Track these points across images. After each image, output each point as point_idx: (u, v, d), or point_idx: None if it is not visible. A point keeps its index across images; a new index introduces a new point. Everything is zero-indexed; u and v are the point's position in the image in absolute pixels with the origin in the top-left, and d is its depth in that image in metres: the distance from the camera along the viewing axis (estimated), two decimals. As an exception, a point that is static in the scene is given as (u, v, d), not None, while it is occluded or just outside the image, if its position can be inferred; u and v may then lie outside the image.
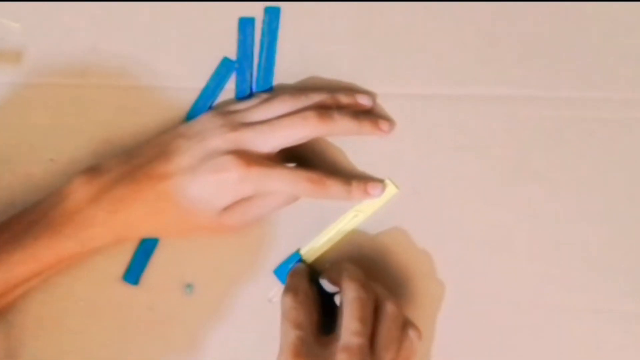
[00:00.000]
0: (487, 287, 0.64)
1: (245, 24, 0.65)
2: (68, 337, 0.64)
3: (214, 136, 0.61)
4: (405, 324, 0.60)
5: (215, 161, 0.60)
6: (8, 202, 0.64)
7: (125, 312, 0.64)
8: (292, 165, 0.64)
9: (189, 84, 0.65)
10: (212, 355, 0.64)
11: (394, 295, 0.61)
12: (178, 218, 0.61)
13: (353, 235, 0.65)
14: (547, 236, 0.64)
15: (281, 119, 0.62)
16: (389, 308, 0.59)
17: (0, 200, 0.64)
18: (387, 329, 0.59)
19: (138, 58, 0.65)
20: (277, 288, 0.64)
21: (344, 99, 0.64)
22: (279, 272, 0.64)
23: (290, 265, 0.64)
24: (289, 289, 0.61)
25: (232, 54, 0.65)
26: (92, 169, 0.61)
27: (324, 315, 0.62)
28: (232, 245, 0.64)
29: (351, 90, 0.65)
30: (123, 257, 0.64)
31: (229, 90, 0.65)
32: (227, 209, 0.61)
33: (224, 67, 0.65)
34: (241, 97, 0.65)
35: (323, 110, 0.62)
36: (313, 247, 0.64)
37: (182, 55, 0.65)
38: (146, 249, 0.64)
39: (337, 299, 0.62)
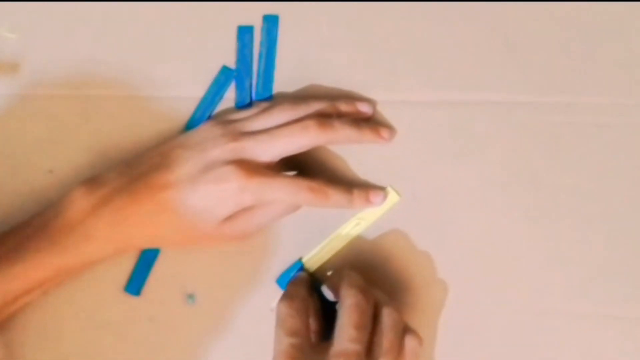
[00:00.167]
0: (488, 293, 0.64)
1: (244, 32, 0.65)
2: (69, 349, 0.64)
3: (214, 146, 0.61)
4: (406, 331, 0.59)
5: (216, 171, 0.60)
6: (7, 214, 0.64)
7: (126, 323, 0.64)
8: (292, 173, 0.63)
9: (188, 93, 0.65)
10: (214, 366, 0.64)
11: (395, 302, 0.61)
12: (178, 229, 0.61)
13: (355, 243, 0.64)
14: (547, 241, 0.64)
15: (281, 128, 0.61)
16: (388, 314, 0.59)
17: (-1, 212, 0.64)
18: (385, 335, 0.58)
19: (136, 68, 0.65)
20: (279, 297, 0.64)
21: (344, 106, 0.64)
22: (281, 281, 0.64)
23: (292, 274, 0.64)
24: (285, 296, 0.61)
25: (231, 63, 0.65)
26: (92, 181, 0.61)
27: (327, 324, 0.61)
28: (234, 255, 0.64)
29: (351, 98, 0.64)
30: (124, 268, 0.64)
31: (228, 99, 0.65)
32: (228, 219, 0.61)
33: (223, 76, 0.65)
34: (241, 105, 0.65)
35: (323, 118, 0.62)
36: (315, 256, 0.64)
37: (181, 64, 0.65)
38: (147, 259, 0.64)
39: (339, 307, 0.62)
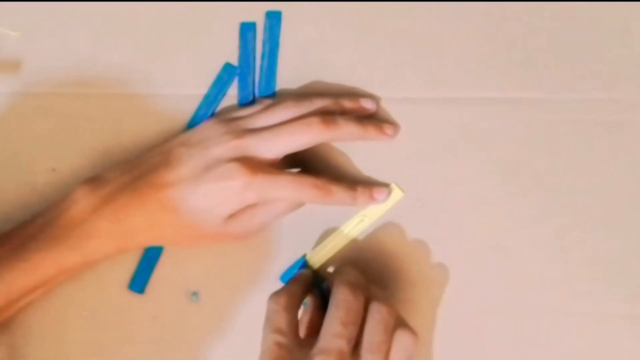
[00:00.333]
0: (491, 290, 0.64)
1: (247, 29, 0.65)
2: (72, 348, 0.64)
3: (217, 144, 0.61)
4: (399, 327, 0.58)
5: (219, 169, 0.60)
6: (10, 213, 0.64)
7: (130, 321, 0.64)
8: (296, 171, 0.63)
9: (191, 91, 0.65)
10: (219, 364, 0.64)
11: (391, 298, 0.61)
12: (182, 227, 0.61)
13: (359, 240, 0.64)
14: (550, 239, 0.64)
15: (285, 125, 0.61)
16: (377, 310, 0.58)
17: (1, 211, 0.64)
18: (372, 331, 0.57)
19: (138, 66, 0.65)
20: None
21: (347, 103, 0.63)
22: (284, 278, 0.64)
23: (296, 271, 0.64)
24: (275, 293, 0.61)
25: (234, 60, 0.65)
26: (94, 179, 0.61)
27: None
28: (238, 253, 0.64)
29: (355, 94, 0.64)
30: (128, 266, 0.64)
31: (231, 96, 0.65)
32: (231, 217, 0.61)
33: (226, 73, 0.65)
34: (244, 103, 0.65)
35: (327, 115, 0.62)
36: (318, 253, 0.64)
37: (183, 62, 0.65)
38: (151, 257, 0.64)
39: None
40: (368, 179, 0.64)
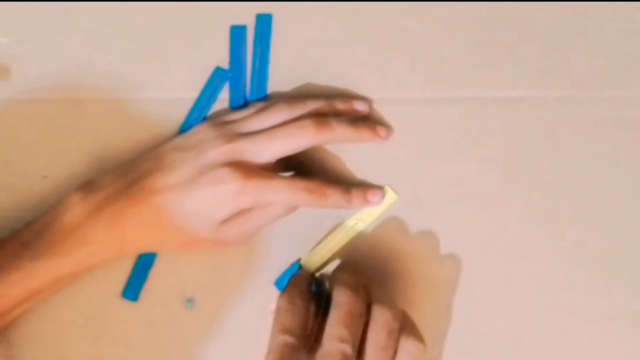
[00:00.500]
0: (488, 290, 0.64)
1: (237, 32, 0.64)
2: (68, 356, 0.64)
3: (210, 148, 0.60)
4: (405, 334, 0.58)
5: (213, 174, 0.59)
6: (2, 221, 0.63)
7: (125, 329, 0.64)
8: (290, 174, 0.63)
9: (182, 95, 0.64)
10: (215, 370, 0.64)
11: (393, 299, 0.60)
12: (176, 232, 0.60)
13: (354, 243, 0.64)
14: (548, 238, 0.64)
15: (278, 128, 0.61)
16: (380, 313, 0.58)
17: (-6, 219, 0.64)
18: (376, 336, 0.57)
19: (129, 70, 0.64)
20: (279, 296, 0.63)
21: (340, 105, 0.63)
22: (279, 283, 0.64)
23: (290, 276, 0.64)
24: (285, 292, 0.60)
25: (225, 63, 0.65)
26: (87, 186, 0.61)
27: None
28: (232, 258, 0.64)
29: (347, 96, 0.64)
30: (121, 273, 0.64)
31: (222, 99, 0.65)
32: (225, 221, 0.61)
33: (217, 77, 0.64)
34: (235, 106, 0.65)
35: (320, 118, 0.62)
36: (313, 257, 0.64)
37: (174, 66, 0.65)
38: (144, 264, 0.64)
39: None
40: (362, 181, 0.64)
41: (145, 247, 0.62)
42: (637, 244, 0.64)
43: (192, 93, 0.64)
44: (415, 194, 0.64)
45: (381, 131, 0.63)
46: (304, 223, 0.64)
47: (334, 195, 0.62)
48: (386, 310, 0.58)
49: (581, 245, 0.64)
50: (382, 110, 0.65)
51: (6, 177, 0.64)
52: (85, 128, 0.64)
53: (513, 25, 0.65)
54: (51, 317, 0.63)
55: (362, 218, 0.64)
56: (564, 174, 0.64)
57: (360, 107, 0.64)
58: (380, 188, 0.64)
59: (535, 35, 0.65)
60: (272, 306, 0.63)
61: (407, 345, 0.57)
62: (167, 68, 0.64)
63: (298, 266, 0.64)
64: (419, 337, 0.58)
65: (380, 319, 0.58)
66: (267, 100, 0.64)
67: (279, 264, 0.64)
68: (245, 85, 0.65)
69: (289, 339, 0.57)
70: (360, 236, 0.64)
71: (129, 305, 0.64)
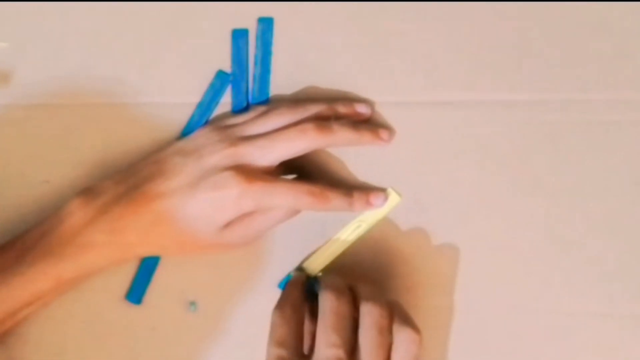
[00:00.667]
0: (490, 293, 0.64)
1: (239, 36, 0.64)
2: (70, 359, 0.64)
3: (212, 152, 0.60)
4: (399, 325, 0.57)
5: (215, 178, 0.59)
6: (3, 226, 0.63)
7: (128, 332, 0.64)
8: (292, 177, 0.63)
9: (184, 99, 0.64)
10: (218, 374, 0.64)
11: (384, 295, 0.60)
12: (178, 237, 0.60)
13: (357, 246, 0.64)
14: (549, 240, 0.64)
15: (280, 131, 0.61)
16: (367, 312, 0.57)
17: (-5, 224, 0.64)
18: (366, 335, 0.57)
19: (130, 75, 0.64)
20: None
21: (342, 108, 0.63)
22: (282, 286, 0.64)
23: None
24: (277, 305, 0.60)
25: (227, 67, 0.65)
26: (88, 191, 0.61)
27: None
28: (235, 261, 0.64)
29: (349, 99, 0.64)
30: (125, 277, 0.64)
31: (224, 103, 0.65)
32: (227, 225, 0.60)
33: (219, 80, 0.64)
34: (237, 110, 0.64)
35: (322, 121, 0.62)
36: (316, 260, 0.64)
37: (176, 70, 0.64)
38: (148, 267, 0.64)
39: None
40: (364, 184, 0.64)
41: (147, 252, 0.62)
42: (637, 246, 0.64)
43: (194, 97, 0.64)
44: (416, 196, 0.64)
45: (383, 134, 0.63)
46: (306, 226, 0.64)
47: (336, 198, 0.62)
48: (374, 308, 0.57)
49: (582, 247, 0.64)
50: (384, 113, 0.64)
51: (7, 182, 0.64)
52: (87, 133, 0.64)
53: (513, 29, 0.65)
54: (54, 320, 0.63)
55: (364, 221, 0.64)
56: (565, 176, 0.64)
57: (362, 109, 0.64)
58: (382, 190, 0.64)
59: (536, 38, 0.65)
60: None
61: (403, 336, 0.57)
62: (169, 72, 0.64)
63: (301, 268, 0.64)
64: (413, 326, 0.57)
65: (369, 317, 0.57)
66: (269, 103, 0.64)
67: (282, 267, 0.64)
68: (247, 89, 0.64)
69: (282, 352, 0.57)
70: (362, 239, 0.64)
71: (132, 308, 0.64)
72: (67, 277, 0.60)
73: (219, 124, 0.63)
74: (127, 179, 0.61)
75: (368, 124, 0.64)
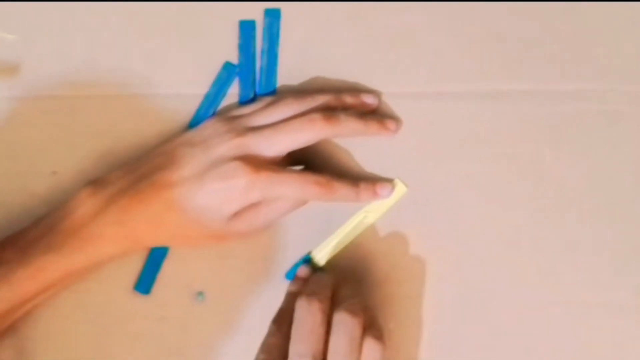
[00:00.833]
0: (499, 285, 0.64)
1: (246, 27, 0.65)
2: (79, 349, 0.64)
3: (220, 143, 0.61)
4: (366, 335, 0.57)
5: (222, 168, 0.60)
6: (12, 218, 0.64)
7: (137, 322, 0.64)
8: (299, 168, 0.63)
9: (191, 90, 0.65)
10: (226, 363, 0.65)
11: (360, 299, 0.60)
12: (185, 227, 0.61)
13: (363, 236, 0.64)
14: (555, 232, 0.64)
15: (287, 122, 0.61)
16: (340, 321, 0.57)
17: (4, 216, 0.64)
18: (336, 345, 0.57)
19: (138, 66, 0.65)
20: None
21: (349, 99, 0.63)
22: (290, 275, 0.64)
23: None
24: (275, 318, 0.61)
25: (234, 58, 0.65)
26: (97, 181, 0.61)
27: None
28: (243, 251, 0.64)
29: (356, 90, 0.64)
30: (133, 268, 0.64)
31: (232, 94, 0.65)
32: (235, 215, 0.61)
33: (226, 72, 0.65)
34: (245, 101, 0.65)
35: (328, 111, 0.62)
36: (323, 250, 0.64)
37: (183, 62, 0.65)
38: (156, 258, 0.64)
39: None
40: (371, 174, 0.64)
41: (155, 242, 0.62)
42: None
43: (202, 88, 0.65)
44: (423, 187, 0.64)
45: (390, 124, 0.64)
46: (313, 217, 0.64)
47: (343, 188, 0.62)
48: (345, 316, 0.57)
49: (589, 239, 0.64)
50: (391, 104, 0.65)
51: (16, 173, 0.64)
52: (95, 124, 0.65)
53: (520, 19, 0.65)
54: (63, 310, 0.64)
55: (371, 211, 0.64)
56: (572, 167, 0.65)
57: (369, 100, 0.64)
58: (389, 181, 0.64)
59: (543, 29, 0.65)
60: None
61: (369, 346, 0.57)
62: (177, 64, 0.65)
63: (308, 259, 0.64)
64: (378, 335, 0.57)
65: (340, 327, 0.57)
66: (276, 94, 0.65)
67: (289, 257, 0.64)
68: (254, 80, 0.65)
69: (266, 356, 0.58)
70: (369, 229, 0.64)
71: (140, 298, 0.64)
72: (76, 268, 0.60)
73: (226, 115, 0.64)
74: (136, 169, 0.61)
75: (375, 114, 0.64)
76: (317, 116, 0.61)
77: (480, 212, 0.64)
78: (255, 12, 0.65)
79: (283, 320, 0.60)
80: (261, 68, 0.65)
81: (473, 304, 0.64)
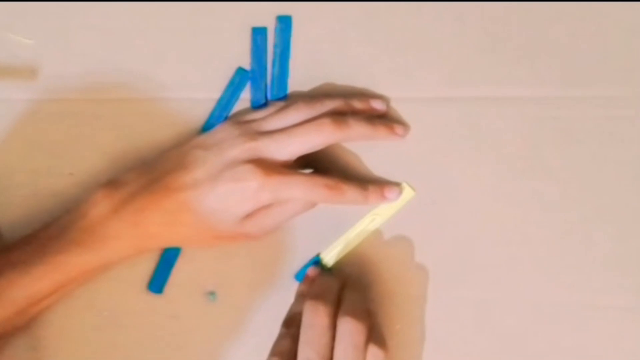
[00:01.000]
0: (505, 286, 0.65)
1: (258, 34, 0.65)
2: (92, 348, 0.65)
3: (232, 146, 0.61)
4: (370, 343, 0.58)
5: (235, 171, 0.60)
6: (29, 217, 0.64)
7: (149, 321, 0.65)
8: (309, 171, 0.64)
9: (205, 95, 0.65)
10: (237, 362, 0.65)
11: (369, 301, 0.61)
12: (198, 228, 0.61)
13: (371, 239, 0.65)
14: (562, 235, 0.65)
15: (297, 127, 0.62)
16: (344, 328, 0.58)
17: (20, 215, 0.65)
18: (342, 349, 0.57)
19: (152, 71, 0.65)
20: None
21: (358, 104, 0.64)
22: (299, 277, 0.65)
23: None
24: (285, 320, 0.61)
25: (246, 64, 0.65)
26: (112, 183, 0.62)
27: None
28: (254, 252, 0.65)
29: (365, 95, 0.65)
30: (146, 267, 0.65)
31: (244, 99, 0.65)
32: (246, 217, 0.61)
33: (239, 77, 0.65)
34: (256, 106, 0.65)
35: (338, 116, 0.62)
36: (332, 252, 0.65)
37: (197, 67, 0.65)
38: (169, 258, 0.65)
39: None
40: (379, 178, 0.65)
41: (168, 243, 0.63)
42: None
43: (215, 93, 0.65)
44: (431, 191, 0.65)
45: (398, 129, 0.64)
46: (323, 219, 0.64)
47: (351, 191, 0.63)
48: (350, 323, 0.58)
49: (594, 241, 0.64)
50: (399, 108, 0.65)
51: (33, 174, 0.65)
52: (110, 127, 0.65)
53: (528, 25, 0.65)
54: (76, 309, 0.64)
55: (379, 214, 0.64)
56: (578, 171, 0.64)
57: (377, 105, 0.64)
58: (397, 185, 0.65)
59: (550, 34, 0.65)
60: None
61: (372, 355, 0.57)
62: (191, 69, 0.65)
63: (317, 260, 0.65)
64: (381, 344, 0.58)
65: (346, 333, 0.58)
66: (287, 99, 0.65)
67: (299, 259, 0.65)
68: (266, 86, 0.65)
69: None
70: (376, 232, 0.65)
71: (153, 298, 0.65)
72: (90, 267, 0.61)
73: (238, 119, 0.64)
74: (150, 171, 0.62)
75: (383, 119, 0.64)
76: (326, 121, 0.62)
77: (487, 217, 0.65)
78: (267, 19, 0.65)
79: (293, 322, 0.61)
80: (272, 73, 0.65)
81: (478, 307, 0.64)
